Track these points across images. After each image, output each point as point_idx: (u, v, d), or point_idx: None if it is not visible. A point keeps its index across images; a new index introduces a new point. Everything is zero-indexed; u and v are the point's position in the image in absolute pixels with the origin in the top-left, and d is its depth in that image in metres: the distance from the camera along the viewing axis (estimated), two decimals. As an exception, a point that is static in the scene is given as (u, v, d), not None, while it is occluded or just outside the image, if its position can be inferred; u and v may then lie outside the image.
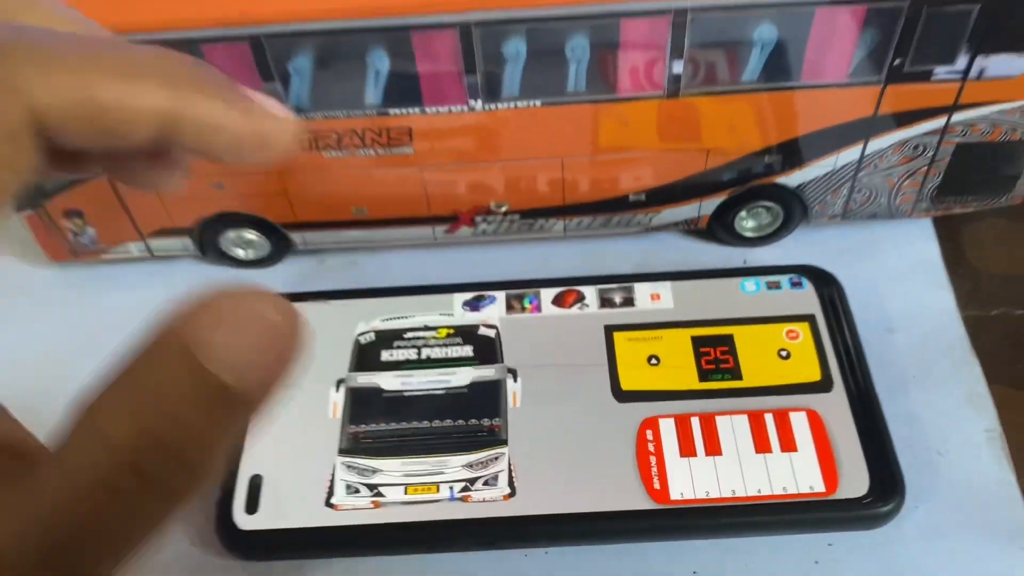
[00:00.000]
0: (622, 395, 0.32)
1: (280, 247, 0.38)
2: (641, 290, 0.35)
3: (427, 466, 0.31)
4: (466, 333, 0.34)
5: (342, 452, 0.32)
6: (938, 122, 0.33)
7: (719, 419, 0.32)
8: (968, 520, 0.30)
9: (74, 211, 0.36)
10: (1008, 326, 0.36)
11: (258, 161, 0.17)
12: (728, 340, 0.34)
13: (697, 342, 0.34)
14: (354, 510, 0.30)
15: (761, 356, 0.33)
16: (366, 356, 0.34)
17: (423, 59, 0.31)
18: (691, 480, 0.30)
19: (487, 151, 0.34)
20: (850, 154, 0.34)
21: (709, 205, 0.36)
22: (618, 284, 0.36)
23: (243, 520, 0.30)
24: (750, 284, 0.36)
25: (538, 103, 0.32)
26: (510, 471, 0.31)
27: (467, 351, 0.34)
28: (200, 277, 0.38)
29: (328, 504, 0.31)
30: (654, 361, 0.33)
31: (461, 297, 0.36)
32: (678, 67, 0.31)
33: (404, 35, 0.30)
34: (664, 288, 0.35)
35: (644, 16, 0.30)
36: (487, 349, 0.34)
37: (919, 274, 0.37)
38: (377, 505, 0.30)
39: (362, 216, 0.36)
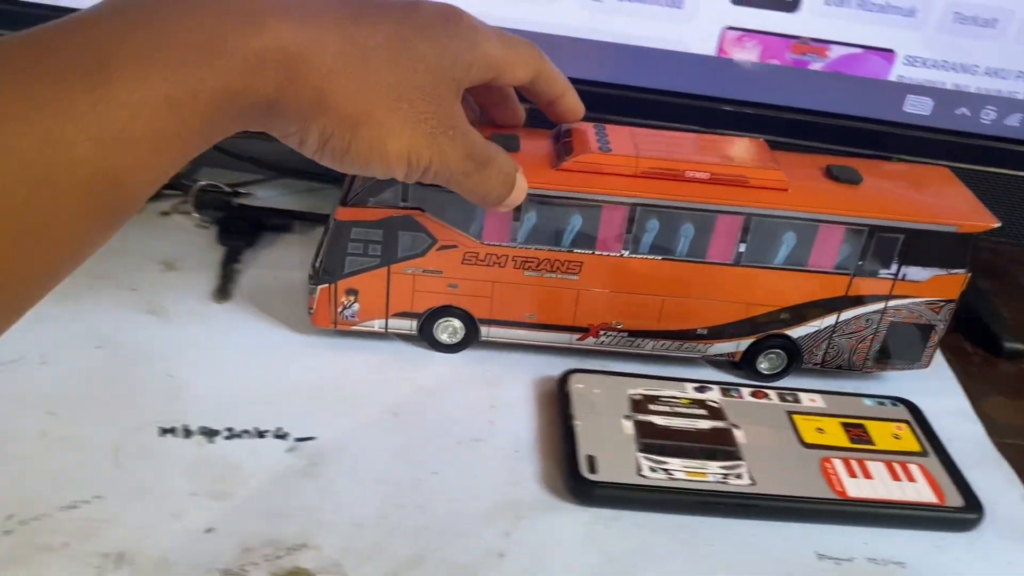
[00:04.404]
0: (805, 444, 0.53)
1: (470, 337, 0.58)
2: (803, 396, 0.57)
3: (697, 464, 0.50)
4: (701, 404, 0.55)
5: (640, 451, 0.51)
6: (880, 305, 0.57)
7: (867, 462, 0.52)
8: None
9: (352, 290, 0.56)
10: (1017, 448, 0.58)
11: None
12: (862, 426, 0.55)
13: (844, 425, 0.55)
14: (655, 478, 0.49)
15: (882, 435, 0.54)
16: (638, 406, 0.54)
17: (604, 222, 0.54)
18: (858, 488, 0.50)
19: (621, 284, 0.56)
20: (829, 320, 0.58)
21: (744, 344, 0.59)
22: (789, 391, 0.57)
23: (588, 475, 0.49)
24: (868, 401, 0.57)
25: (658, 258, 0.55)
26: (750, 473, 0.50)
27: (703, 413, 0.54)
28: (408, 353, 0.58)
29: (639, 475, 0.49)
30: (820, 431, 0.54)
31: (690, 385, 0.56)
32: (742, 247, 0.55)
33: (597, 207, 0.54)
34: (818, 397, 0.57)
35: (729, 215, 0.54)
36: (717, 413, 0.54)
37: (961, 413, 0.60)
38: (669, 477, 0.49)
39: (532, 320, 0.58)
